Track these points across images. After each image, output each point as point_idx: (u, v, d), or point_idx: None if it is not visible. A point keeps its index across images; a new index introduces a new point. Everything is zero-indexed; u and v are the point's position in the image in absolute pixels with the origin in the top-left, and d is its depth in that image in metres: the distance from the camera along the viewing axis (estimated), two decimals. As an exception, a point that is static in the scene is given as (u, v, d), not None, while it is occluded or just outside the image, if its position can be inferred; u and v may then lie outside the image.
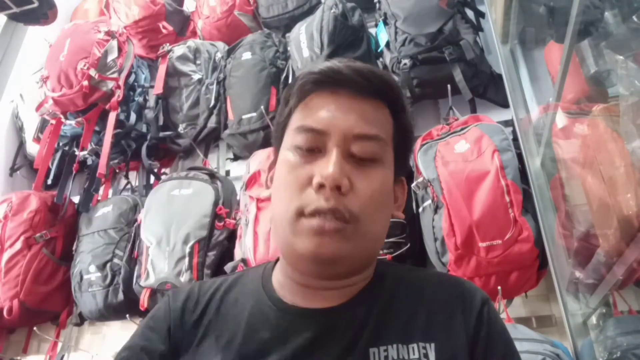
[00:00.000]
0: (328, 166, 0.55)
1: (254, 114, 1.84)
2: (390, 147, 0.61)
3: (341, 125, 0.57)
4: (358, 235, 0.55)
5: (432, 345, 0.57)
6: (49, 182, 2.23)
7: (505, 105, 1.66)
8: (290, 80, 1.86)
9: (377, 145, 0.58)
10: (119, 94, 2.03)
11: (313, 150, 0.58)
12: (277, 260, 0.67)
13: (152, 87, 2.17)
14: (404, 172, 0.67)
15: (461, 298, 0.62)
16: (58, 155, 2.23)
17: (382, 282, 0.63)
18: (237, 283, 0.66)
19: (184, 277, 1.55)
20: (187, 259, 1.56)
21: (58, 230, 1.98)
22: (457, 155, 1.38)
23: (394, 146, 0.62)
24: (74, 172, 2.11)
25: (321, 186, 0.54)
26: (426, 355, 0.56)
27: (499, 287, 1.27)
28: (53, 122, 2.13)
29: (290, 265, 0.61)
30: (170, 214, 1.64)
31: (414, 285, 0.64)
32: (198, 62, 2.09)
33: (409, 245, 1.43)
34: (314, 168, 0.56)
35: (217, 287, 0.66)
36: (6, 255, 1.87)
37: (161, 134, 2.07)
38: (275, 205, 0.60)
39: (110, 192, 2.25)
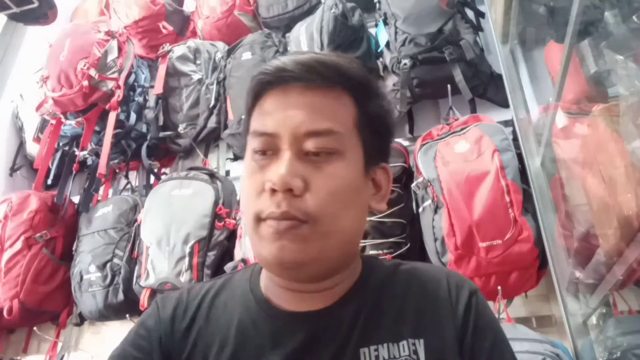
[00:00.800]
0: (278, 170, 0.53)
1: (254, 114, 1.84)
2: (352, 136, 0.57)
3: (290, 124, 0.55)
4: (320, 235, 0.53)
5: (421, 341, 0.57)
6: (49, 182, 2.23)
7: (505, 105, 1.66)
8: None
9: (332, 139, 0.55)
10: (119, 94, 2.03)
11: (268, 154, 0.56)
12: None
13: (152, 87, 2.17)
14: (383, 158, 0.63)
15: (449, 291, 0.61)
16: (58, 155, 2.23)
17: (369, 280, 0.63)
18: (225, 287, 0.66)
19: (184, 277, 1.55)
20: (187, 259, 1.56)
21: (58, 230, 1.98)
22: (457, 155, 1.37)
23: (360, 133, 0.58)
24: (74, 172, 2.11)
25: (274, 191, 0.53)
26: (415, 352, 0.56)
27: (499, 287, 1.26)
28: (53, 122, 2.13)
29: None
30: (170, 214, 1.64)
31: (401, 281, 0.63)
32: (198, 62, 2.09)
33: (409, 245, 1.43)
34: (268, 173, 0.55)
35: (206, 292, 0.65)
36: (6, 255, 1.87)
37: (161, 134, 2.07)
38: (243, 212, 0.59)
39: (110, 192, 2.25)
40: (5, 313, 1.84)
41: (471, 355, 0.57)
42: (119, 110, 2.05)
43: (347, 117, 0.58)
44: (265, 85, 0.58)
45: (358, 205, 0.58)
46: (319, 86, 0.57)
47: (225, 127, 1.97)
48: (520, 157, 1.39)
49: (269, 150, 0.56)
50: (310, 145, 0.54)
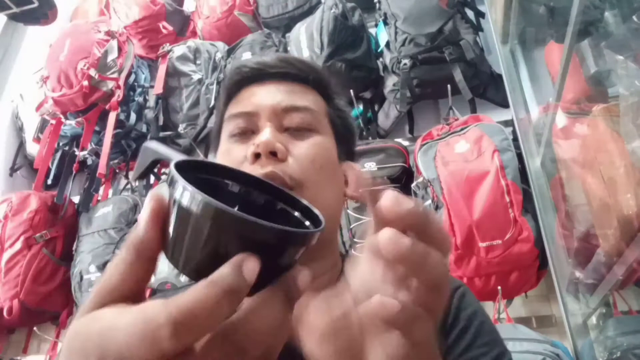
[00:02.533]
0: (260, 137, 0.52)
1: (254, 114, 1.85)
2: (325, 121, 0.60)
3: (269, 102, 0.56)
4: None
5: None
6: (49, 182, 2.23)
7: (505, 105, 1.66)
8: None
9: (309, 115, 0.57)
10: (119, 94, 2.03)
11: (246, 133, 0.56)
12: None
13: (152, 87, 2.17)
14: (351, 158, 0.65)
15: None
16: (58, 155, 2.23)
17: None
18: None
19: (184, 277, 1.55)
20: (187, 259, 1.56)
21: (58, 230, 1.98)
22: (457, 155, 1.38)
23: (331, 123, 0.61)
24: (74, 172, 2.11)
25: (256, 156, 0.51)
26: None
27: (499, 287, 1.27)
28: (53, 122, 2.13)
29: None
30: (170, 214, 1.64)
31: None
32: (198, 62, 2.09)
33: (409, 245, 1.43)
34: (248, 145, 0.53)
35: None
36: (6, 255, 1.87)
37: (161, 134, 2.07)
38: None
39: (110, 192, 2.25)
40: (5, 313, 1.84)
41: (447, 352, 0.57)
42: (119, 110, 2.05)
43: (320, 105, 0.60)
44: (244, 79, 0.60)
45: (337, 183, 0.59)
46: (294, 79, 0.59)
47: (225, 127, 1.97)
48: (520, 157, 1.39)
49: (248, 131, 0.56)
50: (289, 120, 0.56)
